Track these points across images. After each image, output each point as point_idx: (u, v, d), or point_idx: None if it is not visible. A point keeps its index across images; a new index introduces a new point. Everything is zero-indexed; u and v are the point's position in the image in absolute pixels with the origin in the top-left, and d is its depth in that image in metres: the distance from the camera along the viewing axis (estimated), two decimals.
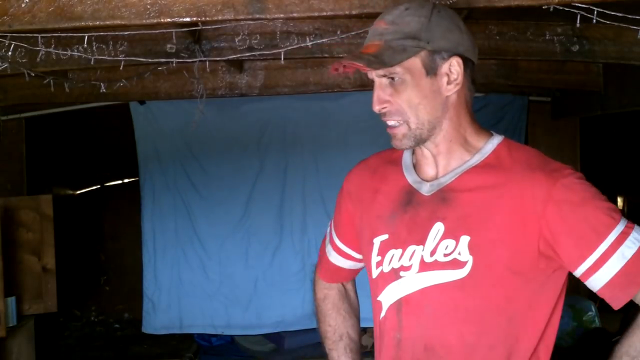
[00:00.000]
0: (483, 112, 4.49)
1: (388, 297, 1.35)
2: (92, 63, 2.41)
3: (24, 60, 2.44)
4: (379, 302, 1.37)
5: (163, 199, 4.67)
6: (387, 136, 1.34)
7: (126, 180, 6.34)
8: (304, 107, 4.52)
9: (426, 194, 1.33)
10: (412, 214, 1.33)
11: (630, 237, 1.23)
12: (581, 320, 2.99)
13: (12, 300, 3.70)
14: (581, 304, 3.05)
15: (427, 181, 1.35)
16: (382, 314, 1.36)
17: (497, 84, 3.48)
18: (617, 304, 1.27)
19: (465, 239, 1.27)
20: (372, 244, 1.38)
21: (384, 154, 1.48)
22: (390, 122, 1.31)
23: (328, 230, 1.61)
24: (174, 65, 2.60)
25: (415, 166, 1.39)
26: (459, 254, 1.27)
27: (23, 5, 1.64)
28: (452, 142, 1.33)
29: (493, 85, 3.78)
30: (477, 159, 1.32)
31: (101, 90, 2.97)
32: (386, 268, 1.34)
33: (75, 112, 4.40)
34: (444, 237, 1.29)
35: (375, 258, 1.37)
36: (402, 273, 1.32)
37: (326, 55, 2.63)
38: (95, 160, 6.14)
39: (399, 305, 1.33)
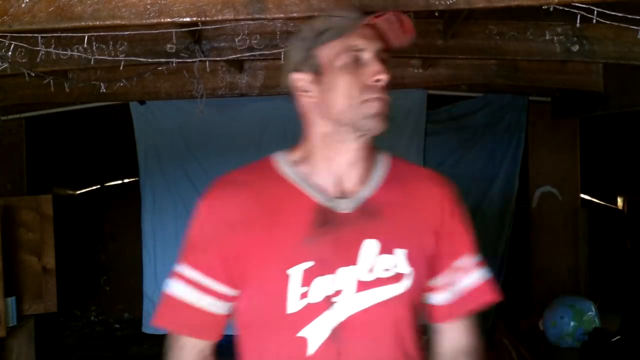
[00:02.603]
0: (483, 112, 4.50)
1: (318, 329, 1.22)
2: (92, 63, 2.41)
3: (24, 60, 2.44)
4: (301, 339, 1.22)
5: (163, 199, 4.67)
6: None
7: (126, 180, 6.34)
8: None
9: (346, 212, 1.26)
10: (334, 235, 1.23)
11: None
12: (581, 320, 2.98)
13: (12, 300, 3.70)
14: (581, 304, 3.04)
15: (340, 197, 1.26)
16: (311, 351, 1.22)
17: (497, 84, 3.47)
18: (449, 315, 1.39)
19: (402, 252, 1.27)
20: (286, 275, 1.21)
21: (248, 169, 1.33)
22: (384, 97, 1.25)
23: (172, 283, 1.29)
24: (174, 65, 2.60)
25: (308, 179, 1.28)
26: (399, 267, 1.26)
27: (23, 5, 1.64)
28: (371, 145, 1.30)
29: (493, 85, 3.78)
30: (383, 170, 1.33)
31: (101, 90, 2.97)
32: (316, 298, 1.21)
33: (75, 112, 4.39)
34: (381, 252, 1.25)
35: (297, 290, 1.21)
36: (335, 299, 1.22)
37: None
38: (95, 160, 6.14)
39: (336, 333, 1.22)
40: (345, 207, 1.26)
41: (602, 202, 5.73)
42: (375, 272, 1.24)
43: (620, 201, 5.67)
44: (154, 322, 1.28)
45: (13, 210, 3.87)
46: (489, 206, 4.54)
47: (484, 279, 1.39)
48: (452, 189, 1.38)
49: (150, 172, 4.66)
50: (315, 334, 1.22)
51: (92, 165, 6.22)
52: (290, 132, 4.60)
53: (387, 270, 1.25)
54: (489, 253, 4.53)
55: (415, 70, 3.26)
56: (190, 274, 1.26)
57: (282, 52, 1.35)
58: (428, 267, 1.32)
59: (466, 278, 1.37)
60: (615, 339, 2.89)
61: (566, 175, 4.18)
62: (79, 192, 6.55)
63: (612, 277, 4.91)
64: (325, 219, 1.24)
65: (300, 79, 1.27)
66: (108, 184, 6.55)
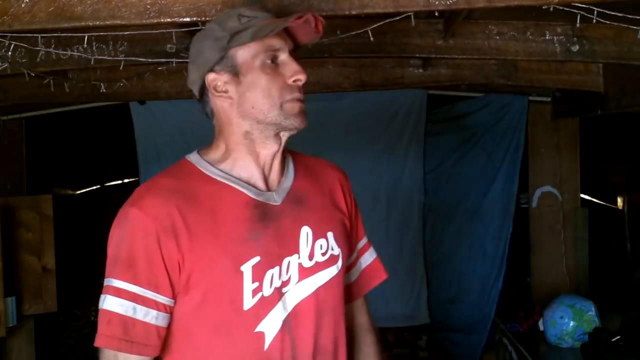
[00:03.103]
0: (483, 112, 4.49)
1: (273, 322, 1.25)
2: (92, 63, 2.41)
3: (24, 60, 2.44)
4: (259, 334, 1.24)
5: None
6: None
7: (126, 180, 6.34)
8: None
9: (278, 203, 1.29)
10: (274, 227, 1.26)
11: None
12: (581, 320, 2.98)
13: (12, 300, 3.70)
14: (581, 304, 3.03)
15: (268, 190, 1.30)
16: (267, 345, 1.24)
17: (497, 84, 3.47)
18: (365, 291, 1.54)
19: (331, 235, 1.34)
20: (240, 272, 1.22)
21: (170, 174, 1.29)
22: (302, 97, 1.29)
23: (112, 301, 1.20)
24: (174, 65, 2.60)
25: (234, 175, 1.29)
26: (332, 249, 1.34)
27: (23, 5, 1.64)
28: None
29: (493, 85, 3.78)
30: (291, 161, 1.39)
31: (101, 90, 2.97)
32: (268, 291, 1.24)
33: (75, 112, 4.39)
34: (315, 237, 1.31)
35: (250, 286, 1.22)
36: (284, 289, 1.26)
37: (326, 55, 2.63)
38: (95, 160, 6.14)
39: (288, 322, 1.26)
40: (275, 199, 1.30)
41: (602, 202, 5.73)
42: (315, 258, 1.31)
43: (619, 201, 5.67)
44: (99, 343, 1.20)
45: (13, 210, 3.86)
46: (489, 206, 4.54)
47: (376, 257, 1.53)
48: (346, 175, 1.48)
49: (150, 172, 4.65)
50: (271, 327, 1.24)
51: (92, 165, 6.21)
52: None
53: (323, 254, 1.32)
54: (489, 253, 4.54)
55: (415, 70, 3.26)
56: (132, 289, 1.19)
57: (190, 50, 1.34)
58: (348, 247, 1.41)
59: (364, 258, 1.51)
60: (615, 339, 2.89)
61: (566, 175, 4.18)
62: (79, 192, 6.55)
63: (612, 277, 4.91)
64: (263, 213, 1.26)
65: (216, 79, 1.27)
66: (108, 184, 6.55)
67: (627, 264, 5.10)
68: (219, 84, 1.27)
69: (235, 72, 1.26)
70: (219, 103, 1.30)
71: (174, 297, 1.23)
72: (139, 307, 1.19)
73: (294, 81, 1.26)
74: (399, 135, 4.50)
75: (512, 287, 4.82)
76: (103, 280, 1.24)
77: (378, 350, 1.55)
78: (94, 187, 6.57)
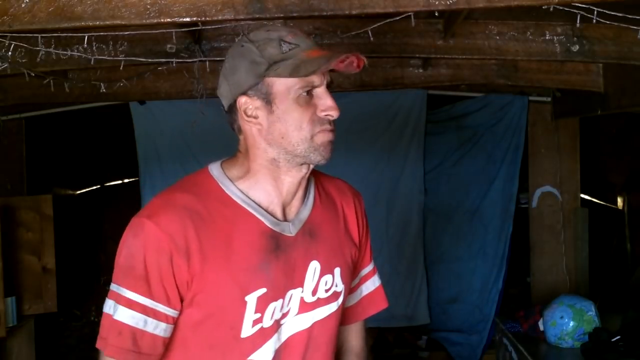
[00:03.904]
0: (483, 112, 4.50)
1: (267, 351, 1.27)
2: (92, 63, 2.41)
3: (24, 60, 2.45)
4: None
5: None
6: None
7: (126, 180, 6.33)
8: None
9: (292, 235, 1.29)
10: (284, 258, 1.26)
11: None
12: (581, 320, 2.98)
13: (12, 300, 3.70)
14: (581, 304, 3.03)
15: (285, 219, 1.29)
16: None
17: (497, 84, 3.47)
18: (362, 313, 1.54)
19: (338, 271, 1.34)
20: (244, 302, 1.22)
21: (189, 188, 1.28)
22: (333, 127, 1.28)
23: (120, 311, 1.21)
24: (174, 65, 2.61)
25: (253, 197, 1.28)
26: (336, 285, 1.34)
27: (23, 5, 1.63)
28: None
29: (493, 85, 3.78)
30: (313, 187, 1.37)
31: (101, 90, 2.97)
32: (267, 323, 1.25)
33: (75, 112, 4.39)
34: (322, 273, 1.31)
35: (252, 316, 1.23)
36: (282, 321, 1.28)
37: None
38: (95, 160, 6.14)
39: (279, 352, 1.28)
40: (289, 230, 1.29)
41: (602, 202, 5.73)
42: (318, 294, 1.31)
43: (620, 201, 5.67)
44: (109, 352, 1.21)
45: (13, 210, 3.87)
46: (489, 206, 4.54)
47: (379, 285, 1.52)
48: (362, 200, 1.47)
49: (150, 172, 4.66)
50: (264, 356, 1.26)
51: (92, 165, 6.21)
52: None
53: (327, 290, 1.32)
54: (489, 253, 4.53)
55: (415, 70, 3.26)
56: (144, 302, 1.20)
57: (224, 64, 1.32)
58: (351, 281, 1.42)
59: (366, 285, 1.50)
60: (615, 339, 2.89)
61: (566, 175, 4.18)
62: (79, 192, 6.55)
63: (612, 277, 4.91)
64: (276, 244, 1.26)
65: (247, 103, 1.25)
66: (108, 184, 6.55)
67: (627, 264, 5.10)
68: (250, 107, 1.25)
69: (268, 101, 1.23)
70: (247, 127, 1.27)
71: (181, 309, 1.24)
72: (150, 319, 1.20)
73: (326, 115, 1.26)
74: (399, 135, 4.50)
75: (512, 287, 4.82)
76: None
77: None
78: (94, 187, 6.56)
